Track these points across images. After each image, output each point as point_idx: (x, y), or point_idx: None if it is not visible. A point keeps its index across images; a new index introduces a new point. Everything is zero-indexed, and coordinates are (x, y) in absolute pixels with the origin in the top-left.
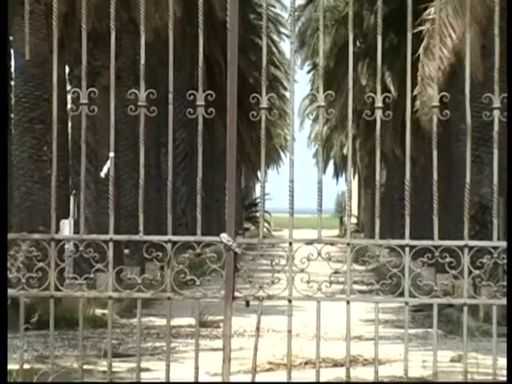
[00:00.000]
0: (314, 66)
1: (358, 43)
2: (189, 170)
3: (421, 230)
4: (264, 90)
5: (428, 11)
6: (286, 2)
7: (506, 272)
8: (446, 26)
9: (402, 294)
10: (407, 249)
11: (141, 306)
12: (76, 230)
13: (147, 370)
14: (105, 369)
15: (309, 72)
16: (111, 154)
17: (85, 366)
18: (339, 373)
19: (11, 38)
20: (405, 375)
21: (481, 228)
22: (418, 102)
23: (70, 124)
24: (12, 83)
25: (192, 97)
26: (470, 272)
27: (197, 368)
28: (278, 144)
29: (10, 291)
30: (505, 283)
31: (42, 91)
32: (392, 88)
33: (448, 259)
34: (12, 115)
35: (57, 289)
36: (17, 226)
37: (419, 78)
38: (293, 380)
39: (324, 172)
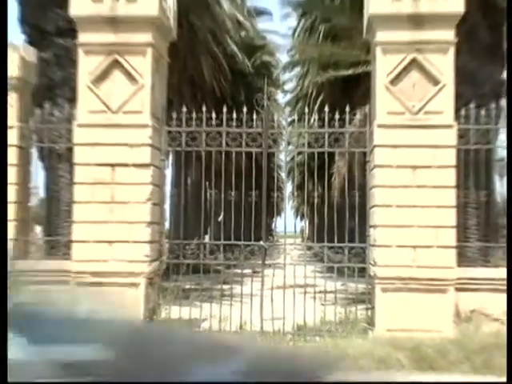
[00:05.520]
0: (293, 180)
1: (305, 172)
2: (249, 219)
3: (331, 238)
4: (275, 190)
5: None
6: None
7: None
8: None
9: (323, 261)
10: (325, 247)
11: (232, 266)
12: (210, 239)
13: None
14: (219, 287)
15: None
16: (222, 214)
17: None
18: (301, 289)
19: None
20: (324, 290)
21: (351, 238)
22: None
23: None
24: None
25: (250, 194)
26: (348, 253)
27: (251, 287)
28: (280, 208)
29: (188, 261)
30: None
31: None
32: (320, 189)
33: (340, 249)
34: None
35: (203, 260)
36: (184, 237)
37: (333, 182)
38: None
39: (296, 218)
